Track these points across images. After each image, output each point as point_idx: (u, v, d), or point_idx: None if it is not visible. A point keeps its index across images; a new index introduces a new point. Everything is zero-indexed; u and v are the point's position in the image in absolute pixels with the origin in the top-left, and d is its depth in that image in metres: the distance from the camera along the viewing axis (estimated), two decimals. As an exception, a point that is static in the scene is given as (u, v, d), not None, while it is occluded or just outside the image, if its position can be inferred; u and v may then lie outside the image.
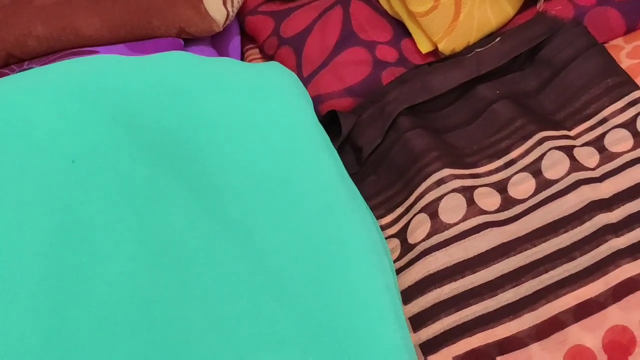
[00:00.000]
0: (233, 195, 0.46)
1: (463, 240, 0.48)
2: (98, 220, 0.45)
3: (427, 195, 0.50)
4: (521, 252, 0.47)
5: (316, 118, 0.51)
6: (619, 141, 0.51)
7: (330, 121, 0.59)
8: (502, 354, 0.44)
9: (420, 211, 0.50)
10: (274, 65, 0.55)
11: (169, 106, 0.49)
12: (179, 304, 0.43)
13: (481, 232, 0.48)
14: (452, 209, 0.49)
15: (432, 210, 0.49)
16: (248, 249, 0.44)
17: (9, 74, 0.62)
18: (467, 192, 0.50)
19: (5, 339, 0.41)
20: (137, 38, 0.64)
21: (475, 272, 0.47)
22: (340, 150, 0.56)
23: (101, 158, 0.47)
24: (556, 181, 0.49)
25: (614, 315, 0.44)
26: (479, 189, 0.50)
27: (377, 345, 0.42)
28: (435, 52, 0.62)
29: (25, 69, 0.62)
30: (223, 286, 0.43)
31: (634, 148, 0.50)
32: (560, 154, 0.50)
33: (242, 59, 0.71)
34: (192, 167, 0.47)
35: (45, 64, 0.62)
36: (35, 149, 0.47)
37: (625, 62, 0.57)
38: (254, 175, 0.46)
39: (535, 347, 0.44)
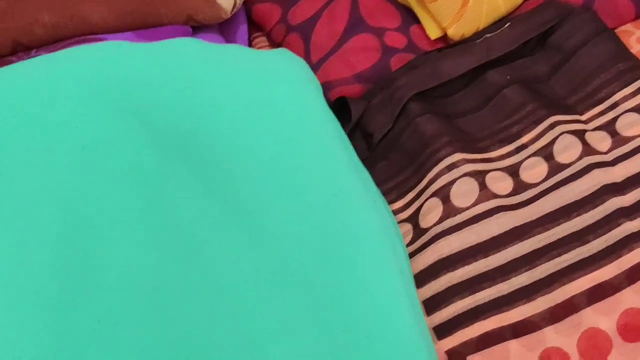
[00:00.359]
0: (243, 183, 0.46)
1: (476, 224, 0.48)
2: (107, 209, 0.45)
3: (438, 180, 0.50)
4: (534, 235, 0.47)
5: (326, 104, 0.51)
6: (631, 125, 0.51)
7: (339, 107, 0.58)
8: (516, 337, 0.44)
9: (432, 195, 0.50)
10: (283, 51, 0.55)
11: (177, 93, 0.48)
12: (189, 293, 0.43)
13: (494, 216, 0.48)
14: (464, 193, 0.49)
15: (444, 194, 0.49)
16: (258, 238, 0.44)
17: (16, 62, 0.62)
18: (479, 176, 0.50)
19: (15, 330, 0.40)
20: (145, 26, 0.64)
21: (488, 255, 0.47)
22: (350, 137, 0.55)
23: (110, 146, 0.47)
24: (568, 165, 0.49)
25: (628, 298, 0.44)
26: (491, 173, 0.50)
27: (392, 330, 0.41)
28: (444, 38, 0.61)
29: (33, 57, 0.62)
30: (233, 275, 0.43)
31: (645, 132, 0.50)
32: (572, 138, 0.50)
33: (250, 47, 0.71)
34: (201, 155, 0.47)
35: (52, 51, 0.62)
36: (43, 138, 0.46)
37: (635, 47, 0.56)
38: (264, 163, 0.46)
39: (549, 330, 0.44)
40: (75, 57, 0.50)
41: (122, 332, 0.41)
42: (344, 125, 0.56)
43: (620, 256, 0.45)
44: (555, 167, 0.50)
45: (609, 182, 0.48)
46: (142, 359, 0.41)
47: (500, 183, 0.50)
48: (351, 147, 0.50)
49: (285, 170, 0.46)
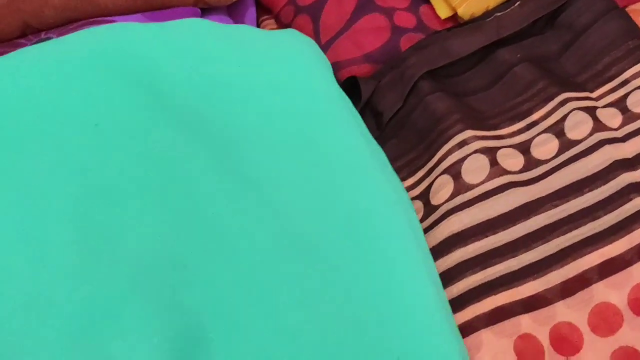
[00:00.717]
0: (256, 157, 0.46)
1: (487, 200, 0.48)
2: (122, 182, 0.45)
3: (449, 157, 0.50)
4: (545, 211, 0.47)
5: (336, 82, 0.51)
6: (641, 102, 0.51)
7: (349, 87, 0.59)
8: (528, 312, 0.45)
9: (443, 173, 0.50)
10: (291, 31, 0.55)
11: (188, 71, 0.48)
12: (206, 262, 0.43)
13: (505, 192, 0.48)
14: (475, 169, 0.49)
15: (455, 171, 0.49)
16: (274, 211, 0.44)
17: (26, 44, 0.62)
18: (490, 153, 0.50)
19: (37, 302, 0.41)
20: (154, 7, 0.64)
21: (500, 231, 0.47)
22: (361, 116, 0.55)
23: (122, 123, 0.47)
24: (579, 141, 0.49)
25: (639, 272, 0.44)
26: (502, 149, 0.50)
27: (413, 304, 0.42)
28: (454, 17, 0.61)
29: (43, 39, 0.62)
30: (249, 247, 0.43)
31: (656, 109, 0.50)
32: (583, 115, 0.50)
33: (258, 29, 0.71)
34: (213, 131, 0.47)
35: (62, 33, 0.62)
36: (57, 116, 0.47)
37: (645, 26, 0.56)
38: (276, 138, 0.46)
39: (560, 305, 0.45)
40: (87, 38, 0.51)
41: (143, 301, 0.41)
42: (354, 105, 0.56)
43: (631, 231, 0.45)
44: (566, 144, 0.50)
45: (620, 157, 0.48)
46: (164, 325, 0.41)
47: (511, 160, 0.50)
48: (363, 124, 0.50)
49: (297, 144, 0.46)
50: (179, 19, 0.62)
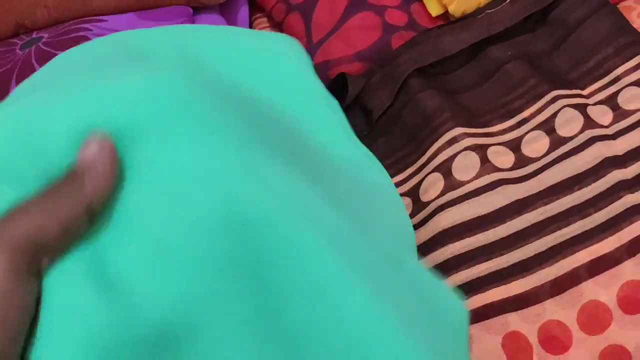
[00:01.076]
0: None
1: (477, 197, 0.48)
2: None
3: (440, 155, 0.50)
4: (536, 209, 0.47)
5: (317, 78, 0.51)
6: (632, 99, 0.50)
7: (340, 86, 0.58)
8: (517, 310, 0.44)
9: (433, 170, 0.50)
10: (279, 34, 0.55)
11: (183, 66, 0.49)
12: None
13: (495, 189, 0.48)
14: (465, 167, 0.49)
15: (445, 168, 0.49)
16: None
17: (18, 44, 0.62)
18: (481, 151, 0.49)
19: None
20: (146, 7, 0.64)
21: (490, 228, 0.47)
22: (350, 114, 0.55)
23: None
24: (570, 139, 0.49)
25: (628, 270, 0.44)
26: (493, 147, 0.50)
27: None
28: (445, 15, 0.61)
29: (35, 39, 0.63)
30: None
31: (647, 106, 0.50)
32: (573, 112, 0.50)
33: (251, 28, 0.71)
34: None
35: (54, 33, 0.62)
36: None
37: (636, 22, 0.56)
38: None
39: (549, 303, 0.44)
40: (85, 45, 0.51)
41: None
42: (343, 103, 0.56)
43: (621, 229, 0.45)
44: (556, 141, 0.49)
45: (611, 155, 0.48)
46: None
47: (502, 157, 0.50)
48: (346, 121, 0.50)
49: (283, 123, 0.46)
50: (171, 17, 0.62)
